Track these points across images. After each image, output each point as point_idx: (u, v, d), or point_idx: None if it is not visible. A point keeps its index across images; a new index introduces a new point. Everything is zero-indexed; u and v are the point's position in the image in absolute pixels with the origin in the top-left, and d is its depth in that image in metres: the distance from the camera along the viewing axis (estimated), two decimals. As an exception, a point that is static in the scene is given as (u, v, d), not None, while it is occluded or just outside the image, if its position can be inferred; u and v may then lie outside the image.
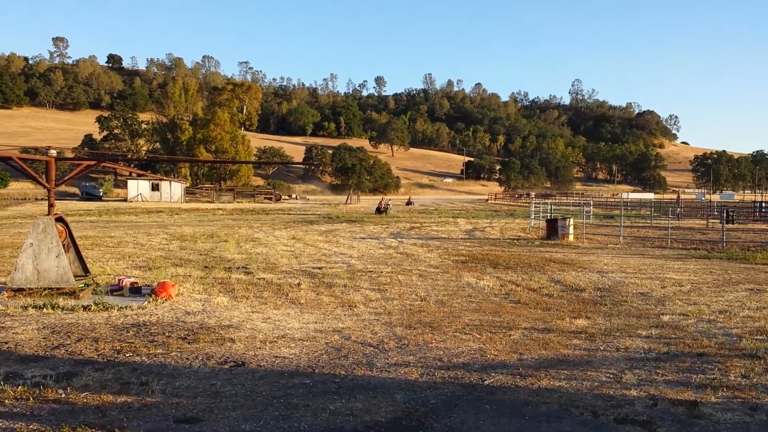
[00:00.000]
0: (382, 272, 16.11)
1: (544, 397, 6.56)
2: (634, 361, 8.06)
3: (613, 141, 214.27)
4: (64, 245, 12.03)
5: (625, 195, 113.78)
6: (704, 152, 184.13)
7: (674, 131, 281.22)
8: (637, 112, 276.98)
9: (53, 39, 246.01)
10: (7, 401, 6.19)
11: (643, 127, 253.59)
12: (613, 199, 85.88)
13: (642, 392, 6.77)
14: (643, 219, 42.19)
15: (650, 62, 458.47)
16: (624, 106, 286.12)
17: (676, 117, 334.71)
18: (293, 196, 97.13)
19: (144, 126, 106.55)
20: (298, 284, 14.00)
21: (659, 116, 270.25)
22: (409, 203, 70.93)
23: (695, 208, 60.77)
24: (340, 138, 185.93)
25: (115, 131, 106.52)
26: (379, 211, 48.13)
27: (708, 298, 12.79)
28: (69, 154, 68.79)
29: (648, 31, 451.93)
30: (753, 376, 7.39)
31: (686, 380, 7.23)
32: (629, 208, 55.96)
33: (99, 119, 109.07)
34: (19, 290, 11.47)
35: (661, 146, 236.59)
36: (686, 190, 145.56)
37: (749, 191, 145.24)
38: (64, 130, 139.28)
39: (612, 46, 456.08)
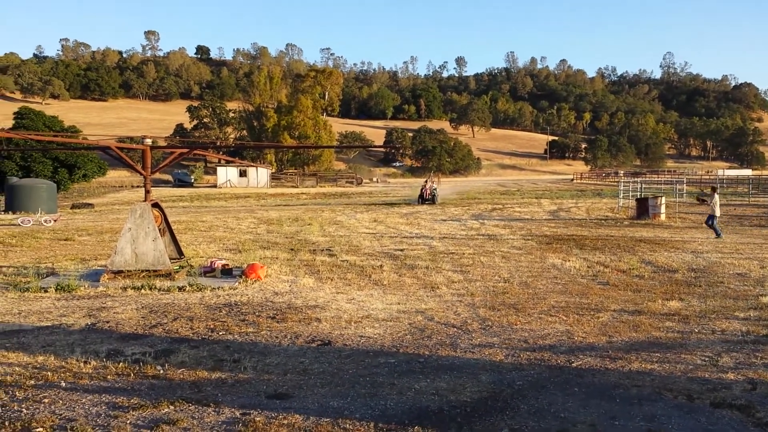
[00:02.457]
0: (464, 254, 16.04)
1: (635, 380, 6.38)
2: (731, 344, 7.71)
3: (707, 116, 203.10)
4: (160, 230, 12.62)
5: (720, 172, 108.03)
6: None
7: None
8: (733, 84, 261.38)
9: (145, 32, 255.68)
10: (109, 377, 6.58)
11: (740, 100, 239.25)
12: (707, 176, 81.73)
13: (740, 376, 6.48)
14: (740, 197, 40.07)
15: (747, 32, 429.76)
16: (719, 78, 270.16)
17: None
18: (374, 179, 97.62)
19: (231, 114, 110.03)
20: (381, 266, 14.15)
21: (758, 89, 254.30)
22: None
23: (799, 184, 57.01)
24: (421, 120, 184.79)
25: (205, 120, 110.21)
26: (422, 199, 37.26)
27: (814, 279, 12.05)
28: (162, 143, 71.83)
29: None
30: None
31: (789, 365, 6.85)
32: (725, 185, 53.17)
33: (189, 109, 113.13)
34: (119, 272, 12.13)
35: (760, 120, 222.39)
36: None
37: None
38: (157, 120, 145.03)
39: (705, 16, 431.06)
